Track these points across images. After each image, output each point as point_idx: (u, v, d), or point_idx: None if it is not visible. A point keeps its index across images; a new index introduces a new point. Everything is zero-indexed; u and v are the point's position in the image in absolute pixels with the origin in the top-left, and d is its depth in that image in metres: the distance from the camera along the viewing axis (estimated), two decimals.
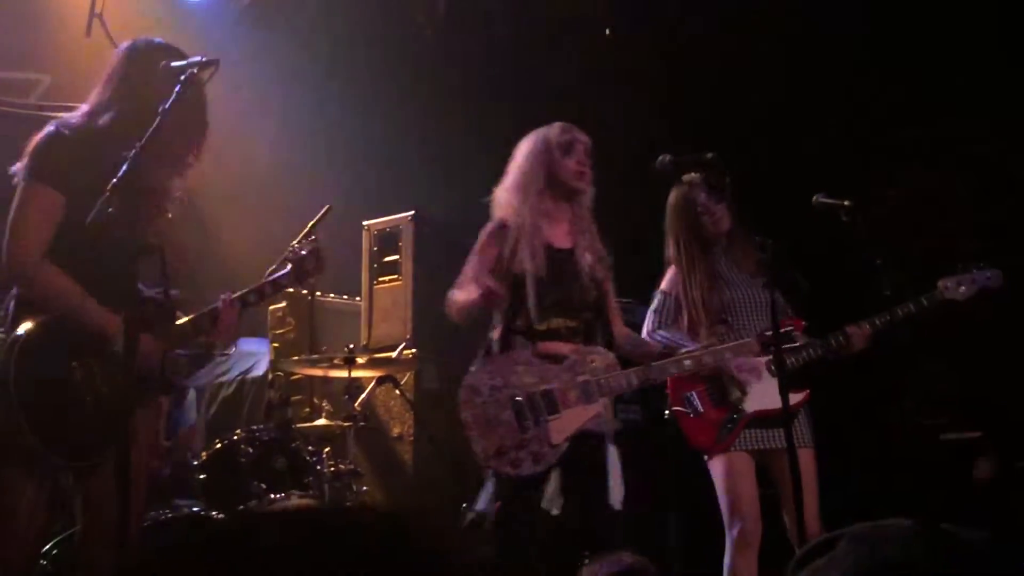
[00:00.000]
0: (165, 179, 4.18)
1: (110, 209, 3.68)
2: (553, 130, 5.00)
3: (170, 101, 3.93)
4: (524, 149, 5.03)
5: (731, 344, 5.15)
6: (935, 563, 1.22)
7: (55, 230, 3.97)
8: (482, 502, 4.88)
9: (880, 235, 5.54)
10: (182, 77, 3.97)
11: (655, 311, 5.57)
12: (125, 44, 4.26)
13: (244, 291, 4.30)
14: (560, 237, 4.97)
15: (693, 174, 5.42)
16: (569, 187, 4.94)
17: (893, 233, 6.45)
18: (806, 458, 5.41)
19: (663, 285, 5.61)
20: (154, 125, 3.93)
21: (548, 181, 4.93)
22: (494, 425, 4.69)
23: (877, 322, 5.39)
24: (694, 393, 5.41)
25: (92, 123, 4.08)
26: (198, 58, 4.02)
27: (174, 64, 4.04)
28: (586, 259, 4.94)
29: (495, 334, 4.89)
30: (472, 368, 4.80)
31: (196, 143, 4.24)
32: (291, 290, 7.39)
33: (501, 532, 4.73)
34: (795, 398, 5.31)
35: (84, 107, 4.14)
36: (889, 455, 6.09)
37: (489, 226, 5.02)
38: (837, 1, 7.23)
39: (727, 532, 5.33)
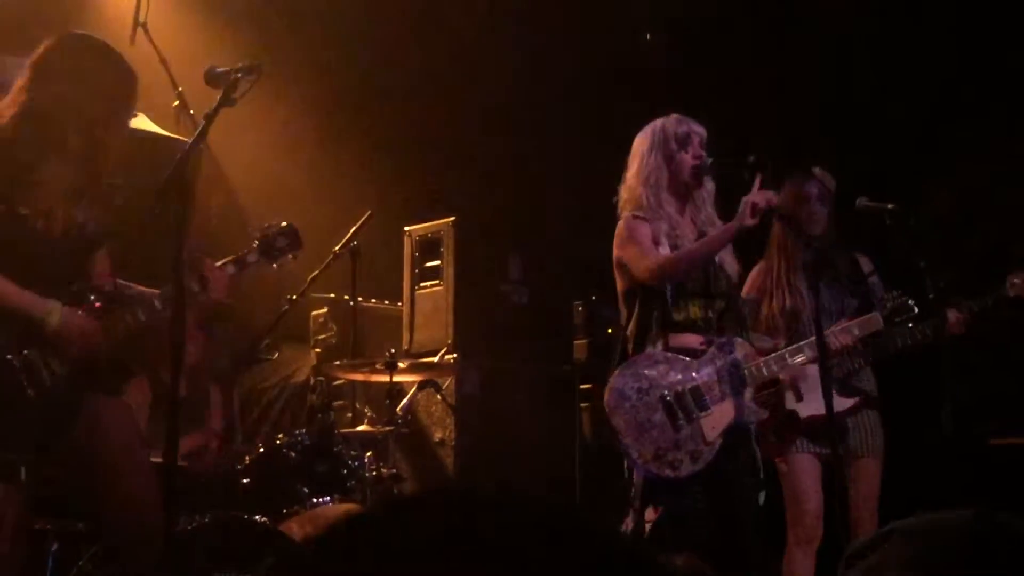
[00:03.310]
0: (80, 179, 4.09)
1: (157, 212, 3.71)
2: (670, 122, 4.93)
3: (214, 108, 3.95)
4: (643, 143, 4.95)
5: (858, 320, 5.18)
6: (992, 555, 1.20)
7: None
8: (633, 515, 4.78)
9: (924, 237, 5.49)
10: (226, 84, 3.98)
11: None
12: (53, 37, 4.20)
13: (235, 257, 4.24)
14: (688, 226, 4.92)
15: (820, 168, 5.46)
16: (687, 182, 4.90)
17: (939, 235, 6.39)
18: (875, 467, 5.46)
19: (745, 290, 5.63)
20: (197, 132, 3.96)
21: (670, 175, 4.88)
22: (647, 428, 4.61)
23: (974, 307, 5.38)
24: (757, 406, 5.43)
25: (12, 121, 4.02)
26: (241, 64, 4.03)
27: (218, 70, 4.05)
28: None
29: (628, 329, 4.83)
30: (615, 372, 4.71)
31: (106, 150, 4.14)
32: (332, 295, 7.44)
33: (660, 536, 4.66)
34: (846, 403, 5.35)
35: (7, 100, 4.09)
36: (936, 463, 6.03)
37: (625, 221, 4.92)
38: None
39: (788, 530, 5.39)
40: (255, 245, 4.33)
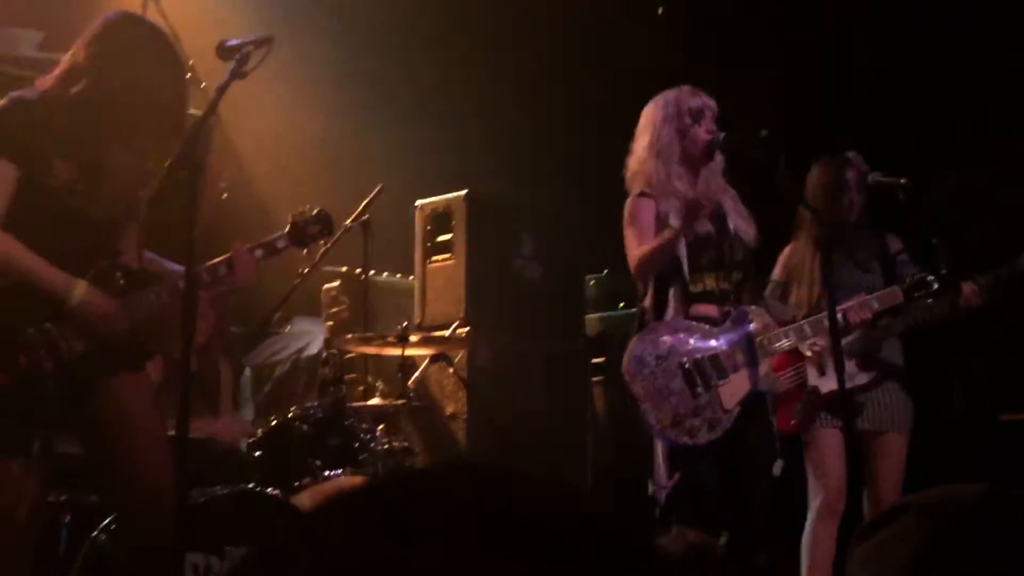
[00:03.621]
0: (131, 162, 4.13)
1: (168, 186, 3.72)
2: (683, 94, 4.91)
3: (225, 81, 3.95)
4: (655, 115, 4.92)
5: (878, 294, 5.20)
6: (1006, 530, 1.19)
7: (7, 200, 3.92)
8: (660, 479, 4.78)
9: (937, 214, 5.49)
10: (237, 56, 3.97)
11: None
12: (109, 14, 4.21)
13: (262, 241, 4.27)
14: (703, 198, 4.89)
15: (854, 152, 5.45)
16: (700, 156, 4.88)
17: (953, 212, 6.38)
18: (898, 444, 5.49)
19: (776, 273, 5.69)
20: (208, 105, 3.96)
21: (682, 149, 4.86)
22: (666, 395, 4.62)
23: (990, 278, 5.37)
24: (779, 374, 5.48)
25: (59, 89, 4.04)
26: (253, 36, 4.02)
27: (229, 43, 4.04)
28: (734, 214, 4.89)
29: (646, 302, 4.82)
30: (634, 339, 4.71)
31: (162, 138, 4.13)
32: (344, 269, 7.44)
33: (678, 503, 4.65)
34: (862, 379, 5.38)
35: (56, 70, 4.10)
36: (947, 439, 6.04)
37: (633, 199, 4.92)
38: None
39: (810, 503, 5.42)
40: (286, 231, 4.34)
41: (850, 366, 5.34)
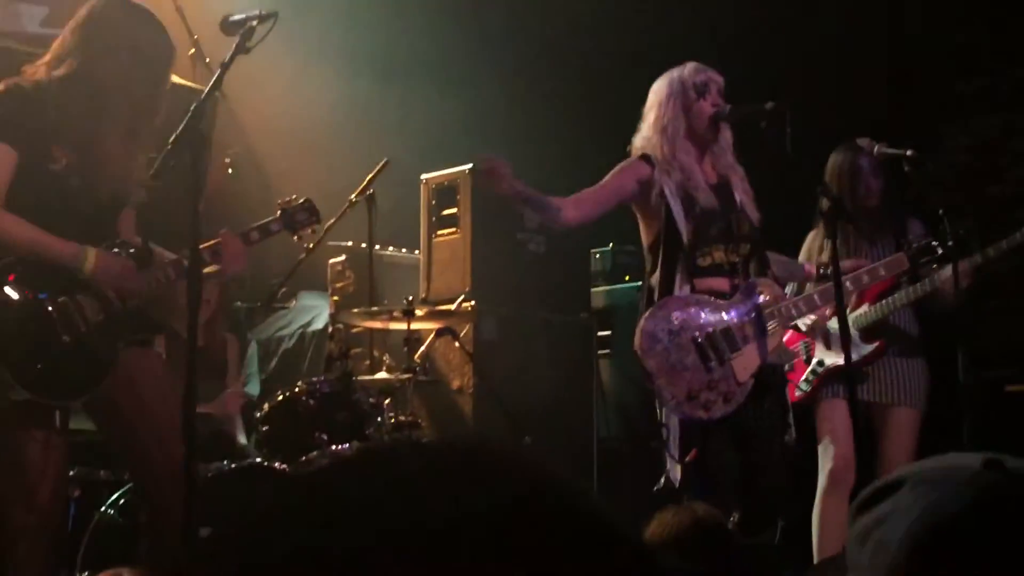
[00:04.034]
0: (124, 140, 4.17)
1: (172, 163, 3.73)
2: (687, 70, 4.89)
3: (229, 56, 3.95)
4: (661, 92, 4.91)
5: (883, 261, 5.21)
6: (1003, 503, 1.20)
7: (7, 184, 3.98)
8: (671, 461, 4.77)
9: (943, 184, 5.48)
10: (241, 31, 3.97)
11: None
12: (96, 1, 4.23)
13: (248, 228, 4.34)
14: (709, 173, 4.89)
15: (867, 139, 5.45)
16: (706, 130, 4.87)
17: (958, 183, 6.37)
18: (908, 418, 5.53)
19: (800, 258, 5.73)
20: (212, 81, 3.97)
21: (688, 124, 4.86)
22: (679, 370, 4.61)
23: (977, 259, 5.37)
24: (789, 349, 5.59)
25: (50, 75, 4.09)
26: (257, 11, 4.02)
27: (233, 18, 4.04)
28: (740, 192, 4.89)
29: (654, 278, 4.82)
30: (645, 315, 4.71)
31: (151, 117, 4.21)
32: (350, 243, 7.45)
33: (692, 478, 4.65)
34: (867, 349, 5.42)
35: (47, 56, 4.16)
36: (952, 410, 6.04)
37: (631, 159, 4.92)
38: None
39: (820, 474, 5.46)
40: (278, 215, 4.44)
41: (854, 339, 5.39)
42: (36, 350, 3.96)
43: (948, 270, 5.33)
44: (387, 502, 0.88)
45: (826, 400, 5.57)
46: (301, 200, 4.50)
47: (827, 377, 5.56)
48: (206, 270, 4.11)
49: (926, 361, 5.67)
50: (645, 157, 4.86)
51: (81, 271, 4.01)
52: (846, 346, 4.45)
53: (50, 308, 3.98)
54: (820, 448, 5.57)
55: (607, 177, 4.88)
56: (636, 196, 4.86)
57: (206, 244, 4.16)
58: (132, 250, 4.17)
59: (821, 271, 5.34)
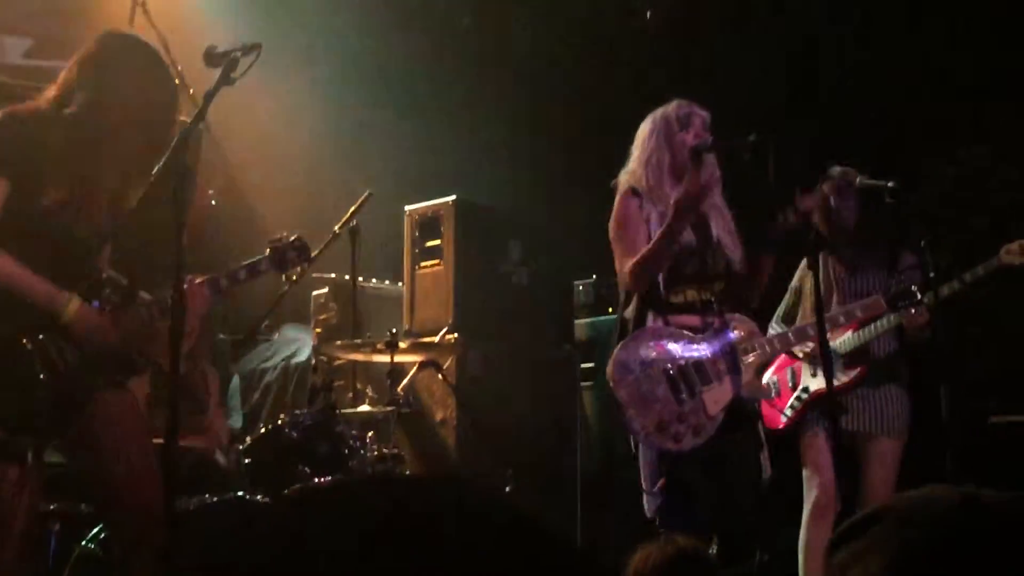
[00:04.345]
0: (119, 181, 4.16)
1: (157, 195, 3.72)
2: (671, 106, 4.91)
3: (214, 88, 3.95)
4: (646, 127, 4.93)
5: (861, 302, 5.23)
6: (978, 540, 1.19)
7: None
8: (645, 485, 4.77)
9: (924, 215, 5.51)
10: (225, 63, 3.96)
11: (781, 306, 5.86)
12: (102, 33, 4.22)
13: (214, 275, 4.27)
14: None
15: (842, 168, 5.53)
16: (686, 162, 4.84)
17: (940, 212, 6.39)
18: (890, 448, 5.58)
19: (794, 280, 5.85)
20: (196, 113, 3.96)
21: (671, 157, 4.88)
22: (650, 401, 4.59)
23: (937, 295, 5.39)
24: (776, 377, 5.69)
25: (53, 108, 4.07)
26: (240, 43, 4.01)
27: (217, 50, 4.04)
28: (719, 228, 4.90)
29: (628, 311, 4.83)
30: (619, 345, 4.70)
31: (150, 158, 4.11)
32: (333, 275, 7.45)
33: (666, 508, 4.64)
34: (848, 376, 5.45)
35: (50, 90, 4.12)
36: (936, 441, 6.05)
37: (621, 197, 4.89)
38: None
39: (804, 503, 5.55)
40: (267, 254, 4.39)
41: (836, 365, 5.45)
42: (12, 387, 3.93)
43: (909, 313, 5.40)
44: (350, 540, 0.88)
45: (810, 428, 5.61)
46: (292, 238, 4.43)
47: (811, 404, 5.59)
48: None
49: (909, 391, 5.68)
50: (632, 191, 4.87)
51: (60, 319, 3.98)
52: (828, 380, 4.46)
53: (30, 345, 3.96)
54: (804, 476, 5.60)
55: (630, 229, 4.83)
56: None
57: (171, 293, 4.15)
58: (112, 291, 4.14)
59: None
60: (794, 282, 5.86)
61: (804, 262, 5.77)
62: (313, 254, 6.26)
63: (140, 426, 4.22)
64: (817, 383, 5.55)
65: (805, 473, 5.60)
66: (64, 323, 3.98)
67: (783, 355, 5.72)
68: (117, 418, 4.12)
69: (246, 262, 4.38)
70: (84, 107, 4.06)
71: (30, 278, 3.96)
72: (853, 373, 5.55)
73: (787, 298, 5.87)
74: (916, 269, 5.57)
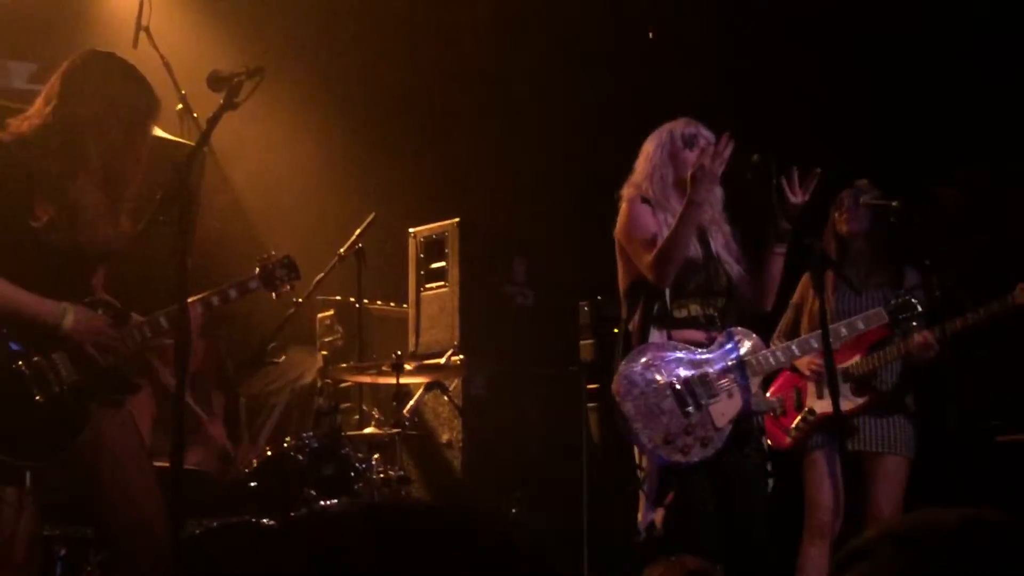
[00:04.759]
0: (102, 199, 4.14)
1: (161, 218, 3.72)
2: (677, 124, 4.93)
3: (218, 111, 3.96)
4: (651, 142, 4.94)
5: (863, 315, 5.20)
6: (982, 563, 1.18)
7: None
8: (647, 505, 4.76)
9: (930, 235, 5.50)
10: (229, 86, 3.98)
11: (782, 321, 5.86)
12: (78, 54, 4.24)
13: (206, 293, 4.29)
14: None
15: (858, 183, 5.57)
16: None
17: (946, 232, 6.39)
18: (896, 465, 5.56)
19: (794, 296, 5.87)
20: (200, 136, 3.98)
21: (675, 173, 4.88)
22: (656, 414, 4.59)
23: (944, 329, 5.42)
24: (781, 396, 5.69)
25: (30, 130, 4.08)
26: (244, 67, 4.03)
27: (220, 74, 4.05)
28: (720, 245, 4.90)
29: (632, 324, 4.82)
30: (623, 360, 4.70)
31: (131, 172, 4.20)
32: (338, 298, 7.45)
33: (676, 522, 4.63)
34: (855, 402, 5.45)
35: (29, 111, 4.14)
36: (944, 459, 6.03)
37: (629, 203, 4.88)
38: None
39: (804, 524, 5.56)
40: (256, 272, 4.44)
41: (844, 389, 5.43)
42: (7, 410, 3.92)
43: (916, 336, 5.41)
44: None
45: (814, 450, 5.61)
46: (281, 257, 4.49)
47: (817, 426, 5.58)
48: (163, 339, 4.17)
49: (914, 412, 5.67)
50: (641, 198, 4.87)
51: (60, 328, 3.98)
52: (834, 397, 4.46)
53: (24, 367, 3.95)
54: (807, 497, 5.60)
55: (643, 227, 4.81)
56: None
57: (162, 311, 4.17)
58: (104, 311, 4.14)
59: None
60: (795, 298, 5.87)
61: (805, 277, 5.80)
62: (319, 277, 6.34)
63: (137, 447, 4.22)
64: (823, 405, 5.54)
65: (807, 493, 5.61)
66: (65, 330, 3.98)
67: (787, 373, 5.72)
68: (112, 440, 4.11)
69: (236, 281, 4.40)
70: (50, 119, 4.07)
71: (24, 296, 3.96)
72: (861, 400, 5.53)
73: (787, 314, 5.87)
74: (920, 288, 5.58)
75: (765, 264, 4.88)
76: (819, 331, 4.70)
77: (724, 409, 4.66)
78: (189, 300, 4.15)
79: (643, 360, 4.67)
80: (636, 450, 4.77)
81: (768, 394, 5.65)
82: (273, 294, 4.50)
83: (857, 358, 5.55)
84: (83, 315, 4.04)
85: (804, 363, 5.59)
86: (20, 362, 3.94)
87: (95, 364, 4.05)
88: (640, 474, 4.77)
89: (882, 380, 5.61)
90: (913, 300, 5.18)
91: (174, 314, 4.10)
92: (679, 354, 4.69)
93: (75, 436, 4.02)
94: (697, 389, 4.64)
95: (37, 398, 3.94)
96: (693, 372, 4.66)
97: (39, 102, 4.15)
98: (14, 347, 3.95)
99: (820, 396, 5.61)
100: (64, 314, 3.99)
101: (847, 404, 5.45)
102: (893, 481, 5.57)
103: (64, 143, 4.06)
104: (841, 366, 5.45)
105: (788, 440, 5.61)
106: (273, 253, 4.50)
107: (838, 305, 5.61)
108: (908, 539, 1.26)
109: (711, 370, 4.68)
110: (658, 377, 4.64)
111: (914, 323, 5.28)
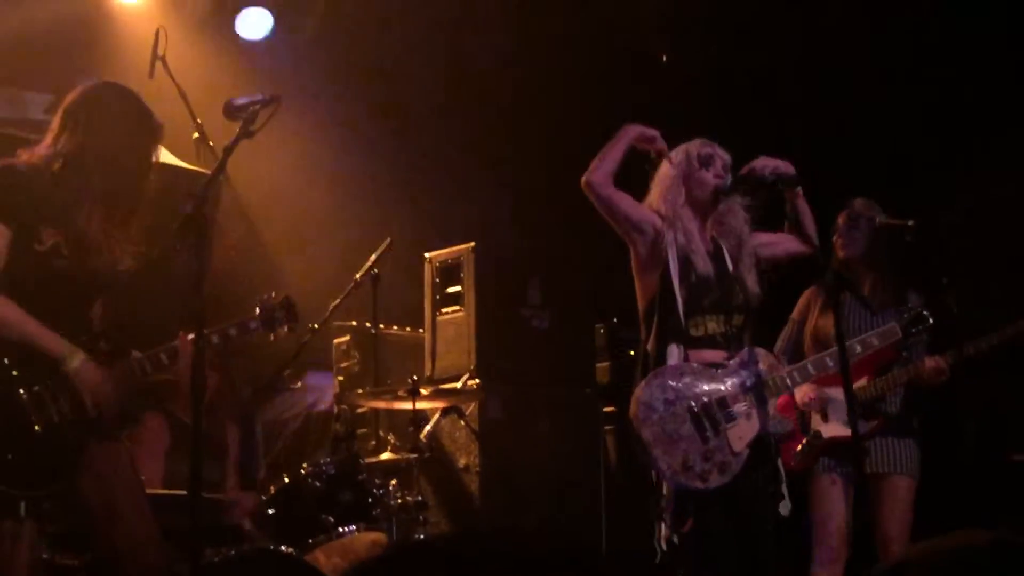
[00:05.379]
0: (108, 227, 4.21)
1: (178, 247, 3.74)
2: (693, 144, 4.96)
3: (233, 139, 3.98)
4: (666, 165, 4.97)
5: (877, 331, 5.19)
6: None
7: (3, 261, 4.02)
8: (666, 527, 4.74)
9: (946, 252, 5.49)
10: (245, 115, 4.01)
11: (781, 337, 5.85)
12: (84, 85, 4.33)
13: (207, 331, 4.32)
14: (707, 242, 4.89)
15: (864, 201, 5.58)
16: (706, 200, 4.90)
17: (963, 246, 6.37)
18: (904, 485, 5.52)
19: (795, 312, 5.88)
20: (217, 164, 4.00)
21: (689, 193, 4.90)
22: (675, 440, 4.57)
23: (958, 354, 5.40)
24: (789, 417, 5.54)
25: (39, 158, 4.16)
26: (260, 96, 4.05)
27: (236, 102, 4.08)
28: (738, 263, 4.90)
29: (650, 344, 4.82)
30: (641, 384, 4.68)
31: (135, 201, 4.28)
32: (354, 323, 7.45)
33: (693, 548, 4.61)
34: (866, 427, 5.42)
35: (44, 143, 4.23)
36: (956, 479, 6.01)
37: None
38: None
39: (813, 550, 5.43)
40: (256, 313, 4.48)
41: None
42: (6, 439, 3.94)
43: (929, 361, 5.41)
44: None
45: (821, 473, 5.57)
46: (281, 298, 4.52)
47: (823, 450, 5.54)
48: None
49: (919, 433, 5.66)
50: (657, 212, 4.89)
51: (64, 367, 4.03)
52: (852, 419, 4.44)
53: (24, 396, 3.98)
54: (813, 522, 5.56)
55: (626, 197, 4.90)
56: (643, 237, 4.84)
57: (162, 347, 4.22)
58: (106, 344, 4.19)
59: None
60: (795, 314, 5.86)
61: (807, 293, 5.79)
62: (335, 302, 6.35)
63: (132, 478, 4.27)
64: (830, 429, 5.51)
65: (815, 518, 5.56)
66: (65, 372, 4.02)
67: (786, 396, 5.65)
68: (108, 474, 4.15)
69: (237, 320, 4.45)
70: (56, 148, 4.16)
71: (34, 326, 4.01)
72: (871, 424, 5.49)
73: (787, 329, 5.86)
74: (923, 310, 5.57)
75: (793, 213, 4.90)
76: (834, 349, 4.70)
77: (741, 432, 4.63)
78: (190, 337, 4.20)
79: (660, 383, 4.65)
80: (653, 474, 4.75)
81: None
82: (271, 336, 4.55)
83: (864, 381, 5.51)
84: (88, 368, 4.08)
85: (800, 394, 5.54)
86: (21, 390, 3.97)
87: (92, 411, 4.09)
88: (658, 499, 4.75)
89: (889, 402, 5.60)
90: (924, 312, 5.17)
91: (173, 350, 4.18)
92: (697, 376, 4.67)
93: (71, 468, 4.04)
94: (716, 413, 4.63)
95: (36, 428, 3.97)
96: (711, 395, 4.64)
97: (49, 131, 4.23)
98: (15, 375, 3.99)
99: (826, 420, 5.57)
100: (72, 356, 4.04)
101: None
102: (902, 502, 5.54)
103: (68, 173, 4.13)
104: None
105: (793, 463, 5.54)
106: (273, 294, 4.54)
107: (849, 324, 5.59)
108: (939, 562, 1.26)
109: (729, 392, 4.67)
110: (676, 402, 4.62)
111: (926, 336, 5.26)
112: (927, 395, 5.65)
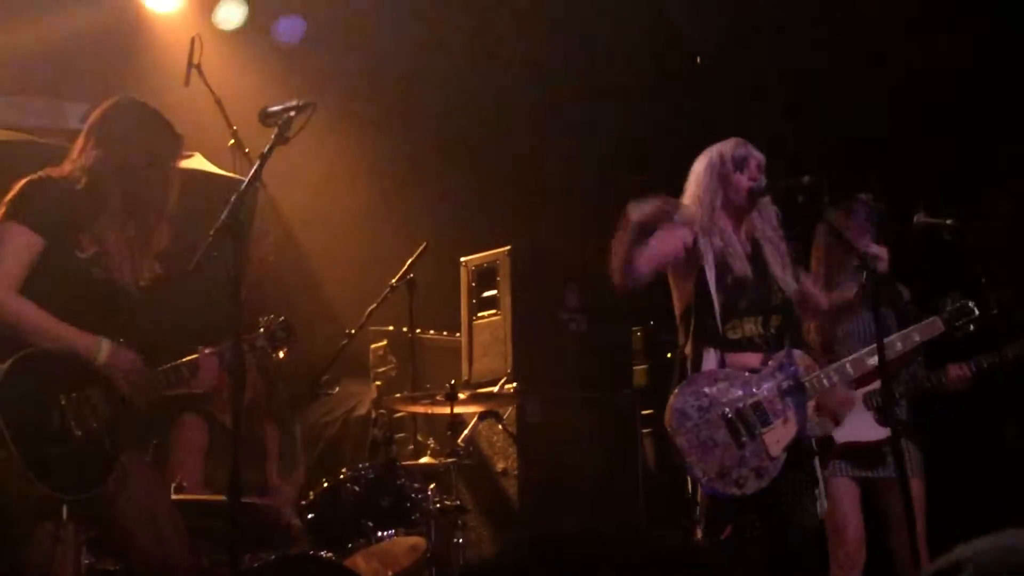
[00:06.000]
0: (127, 244, 4.31)
1: (215, 254, 3.78)
2: (728, 145, 4.92)
3: (268, 146, 4.00)
4: (701, 164, 4.94)
5: (918, 325, 5.12)
6: None
7: (28, 270, 4.09)
8: (703, 533, 4.72)
9: (985, 252, 5.44)
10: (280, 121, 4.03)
11: None
12: (108, 102, 4.45)
13: (221, 347, 4.38)
14: (744, 244, 4.87)
15: (865, 195, 5.53)
16: (742, 203, 4.88)
17: (1001, 248, 6.31)
18: (917, 486, 5.45)
19: None
20: (252, 171, 4.02)
21: (724, 195, 4.88)
22: (710, 447, 4.55)
23: (984, 363, 5.36)
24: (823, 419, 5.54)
25: (72, 171, 4.27)
26: (294, 102, 4.07)
27: (271, 109, 4.10)
28: (775, 264, 4.87)
29: (686, 350, 4.79)
30: (675, 392, 4.66)
31: (162, 211, 4.39)
32: (391, 328, 7.46)
33: (731, 553, 4.59)
34: (880, 434, 5.38)
35: (69, 158, 4.35)
36: (1002, 478, 5.96)
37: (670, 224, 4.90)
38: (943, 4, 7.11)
39: (830, 556, 5.39)
40: (261, 332, 4.63)
41: (868, 419, 5.38)
42: (51, 445, 3.99)
43: (954, 370, 5.40)
44: None
45: (836, 478, 5.52)
46: (280, 320, 4.66)
47: (837, 454, 5.47)
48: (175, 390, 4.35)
49: (918, 439, 5.63)
50: (685, 219, 4.86)
51: (95, 361, 4.10)
52: (889, 416, 4.41)
53: (64, 402, 4.02)
54: (828, 528, 5.48)
55: (654, 241, 4.83)
56: (679, 260, 4.82)
57: (184, 360, 4.31)
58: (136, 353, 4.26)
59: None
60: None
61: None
62: (371, 307, 6.37)
63: (158, 484, 4.42)
64: (843, 434, 5.41)
65: (831, 522, 5.47)
66: (101, 364, 4.10)
67: None
68: (136, 477, 4.20)
69: (246, 336, 4.52)
70: (79, 164, 4.28)
71: (62, 327, 4.08)
72: (885, 432, 5.43)
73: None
74: (911, 304, 5.53)
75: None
76: (873, 346, 4.66)
77: (779, 436, 4.60)
78: (207, 351, 4.26)
79: (694, 390, 4.62)
80: (690, 480, 4.72)
81: None
82: (279, 354, 4.67)
83: (876, 385, 5.43)
84: (118, 352, 4.16)
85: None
86: (61, 395, 4.01)
87: (126, 402, 4.13)
88: (695, 506, 4.72)
89: (899, 407, 5.56)
90: (970, 304, 5.10)
91: (193, 365, 4.31)
92: (731, 382, 4.64)
93: (109, 472, 4.10)
94: (750, 418, 4.59)
95: (77, 433, 4.01)
96: (746, 400, 4.61)
97: (79, 145, 4.36)
98: (54, 381, 4.03)
99: (838, 424, 5.49)
100: (100, 347, 4.12)
101: (874, 434, 5.41)
102: (918, 503, 5.47)
103: (91, 187, 4.23)
104: (863, 390, 5.39)
105: None
106: (272, 316, 4.68)
107: (852, 327, 5.54)
108: (989, 563, 1.24)
109: (765, 396, 4.63)
110: (710, 408, 4.59)
111: (972, 327, 5.16)
112: (929, 399, 5.62)
